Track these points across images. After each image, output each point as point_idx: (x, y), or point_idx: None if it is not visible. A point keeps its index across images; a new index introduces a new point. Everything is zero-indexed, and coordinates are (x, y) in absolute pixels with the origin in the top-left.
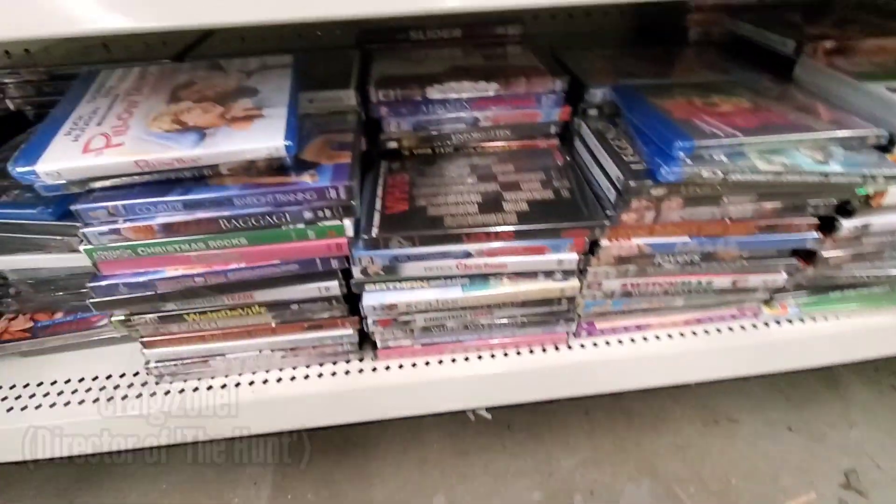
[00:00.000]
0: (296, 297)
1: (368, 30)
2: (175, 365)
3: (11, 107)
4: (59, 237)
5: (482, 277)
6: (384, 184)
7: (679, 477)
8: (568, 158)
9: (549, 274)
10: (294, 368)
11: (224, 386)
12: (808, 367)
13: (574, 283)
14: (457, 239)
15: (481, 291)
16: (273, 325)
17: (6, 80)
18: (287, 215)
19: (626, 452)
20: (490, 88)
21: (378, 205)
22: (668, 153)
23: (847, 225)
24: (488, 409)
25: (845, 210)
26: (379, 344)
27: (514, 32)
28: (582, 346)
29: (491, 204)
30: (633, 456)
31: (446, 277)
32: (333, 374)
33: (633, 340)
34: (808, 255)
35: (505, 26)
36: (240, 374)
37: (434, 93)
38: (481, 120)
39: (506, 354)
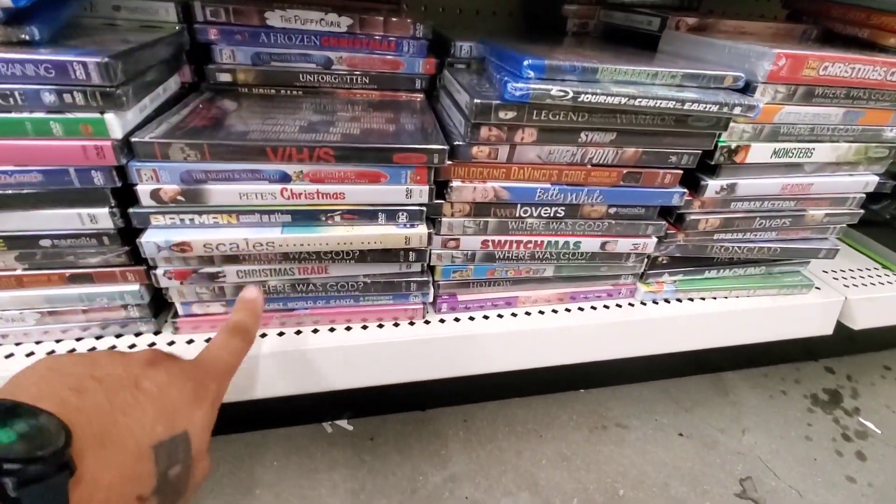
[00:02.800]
0: (47, 228)
1: None
2: None
3: None
4: None
5: (309, 216)
6: (196, 106)
7: (562, 489)
8: (427, 105)
9: (392, 216)
10: (58, 342)
11: None
12: (684, 350)
13: (422, 230)
14: (259, 153)
15: (306, 233)
16: (19, 270)
17: None
18: (18, 96)
19: (505, 464)
20: (342, 23)
21: (175, 120)
22: (518, 73)
23: (713, 184)
24: (349, 421)
25: (710, 169)
26: (179, 309)
27: None
28: (441, 321)
29: (315, 127)
30: (512, 467)
31: (264, 212)
32: (113, 349)
33: (500, 316)
34: (678, 221)
35: None
36: None
37: (275, 19)
38: (335, 62)
39: (348, 328)
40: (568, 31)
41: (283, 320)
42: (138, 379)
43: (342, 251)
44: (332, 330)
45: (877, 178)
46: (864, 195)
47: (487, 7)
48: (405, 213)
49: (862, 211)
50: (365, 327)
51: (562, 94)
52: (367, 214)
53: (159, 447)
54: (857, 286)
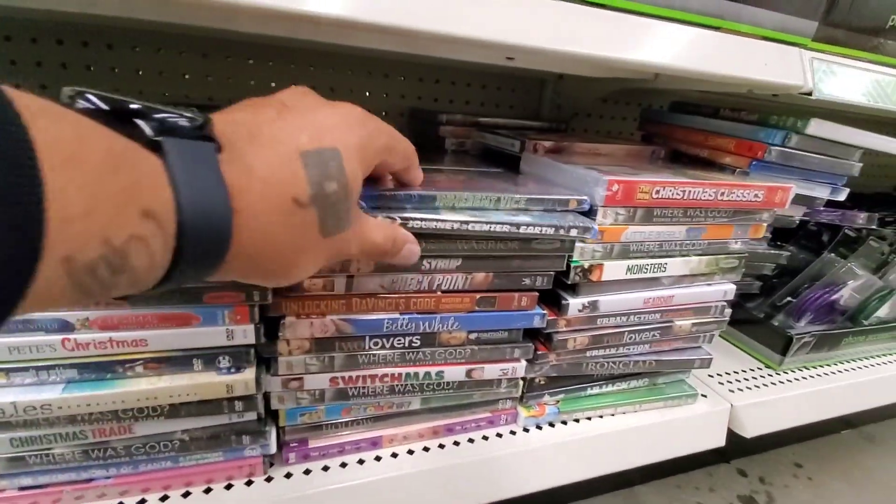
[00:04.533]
0: None
1: None
2: None
3: None
4: None
5: (100, 368)
6: None
7: None
8: None
9: (210, 361)
10: None
11: None
12: (572, 482)
13: (248, 374)
14: None
15: (95, 390)
16: None
17: None
18: None
19: None
20: None
21: None
22: None
23: (574, 302)
24: None
25: (571, 287)
26: None
27: None
28: (288, 475)
29: None
30: None
31: (41, 368)
32: None
33: (361, 462)
34: (548, 340)
35: None
36: None
37: None
38: None
39: (165, 497)
40: (447, 150)
41: (80, 494)
42: (283, 101)
43: (147, 407)
44: (142, 502)
45: (733, 287)
46: (725, 303)
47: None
48: (227, 357)
49: (727, 318)
50: (187, 493)
51: (388, 221)
52: (177, 362)
53: (306, 155)
54: (742, 390)
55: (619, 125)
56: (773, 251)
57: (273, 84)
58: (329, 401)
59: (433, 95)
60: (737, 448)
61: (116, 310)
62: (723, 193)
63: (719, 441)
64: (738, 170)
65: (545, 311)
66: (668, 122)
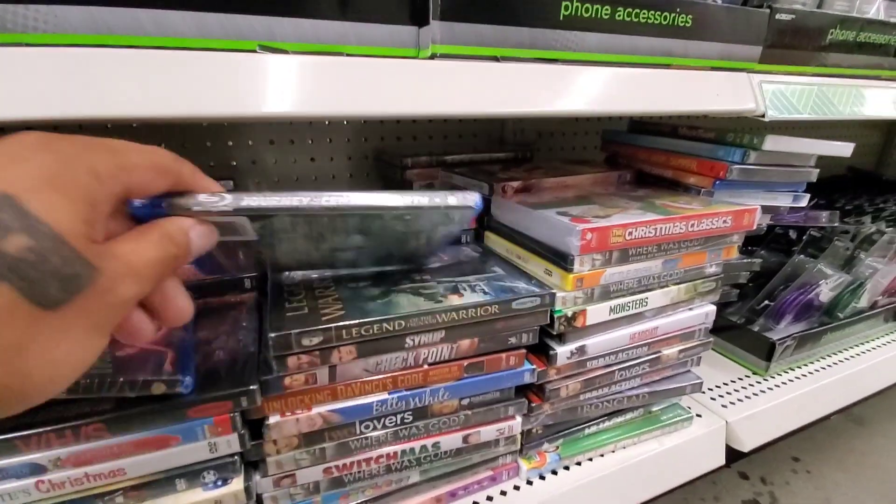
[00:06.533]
0: None
1: None
2: None
3: None
4: None
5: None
6: None
7: None
8: (255, 308)
9: (194, 478)
10: None
11: None
12: None
13: (236, 485)
14: (5, 448)
15: None
16: None
17: None
18: None
19: None
20: None
21: None
22: None
23: (562, 351)
24: None
25: (557, 336)
26: None
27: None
28: None
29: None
30: None
31: None
32: None
33: None
34: (540, 391)
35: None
36: None
37: None
38: None
39: None
40: None
41: None
42: None
43: None
44: None
45: (714, 308)
46: (708, 325)
47: (343, 171)
48: (212, 471)
49: (711, 340)
50: None
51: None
52: (159, 485)
53: None
54: (734, 404)
55: (582, 140)
56: (746, 260)
57: (230, 143)
58: (325, 490)
59: (395, 134)
60: (735, 450)
61: (90, 444)
62: (693, 224)
63: (719, 461)
64: (703, 190)
65: (534, 366)
66: (630, 143)
